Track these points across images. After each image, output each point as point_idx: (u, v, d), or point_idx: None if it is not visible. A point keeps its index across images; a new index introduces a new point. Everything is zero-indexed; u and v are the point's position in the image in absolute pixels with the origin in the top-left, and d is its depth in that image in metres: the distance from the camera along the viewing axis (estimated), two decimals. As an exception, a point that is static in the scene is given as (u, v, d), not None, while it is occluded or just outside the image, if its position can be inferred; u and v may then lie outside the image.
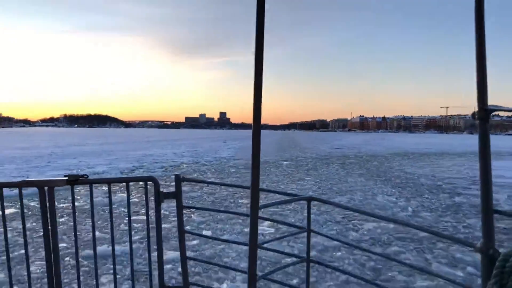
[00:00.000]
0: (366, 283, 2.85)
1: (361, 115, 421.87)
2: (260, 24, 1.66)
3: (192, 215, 9.24)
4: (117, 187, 12.11)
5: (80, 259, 3.80)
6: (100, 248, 5.80)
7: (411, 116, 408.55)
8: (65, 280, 5.00)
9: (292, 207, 10.17)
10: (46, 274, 2.98)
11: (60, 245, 3.44)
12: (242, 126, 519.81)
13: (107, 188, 3.18)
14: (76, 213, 3.15)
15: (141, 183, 3.33)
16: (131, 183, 3.25)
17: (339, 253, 6.64)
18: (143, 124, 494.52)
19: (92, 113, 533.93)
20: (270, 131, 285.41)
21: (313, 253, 5.91)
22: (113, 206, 3.48)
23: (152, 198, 3.10)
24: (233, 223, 8.47)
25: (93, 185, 3.06)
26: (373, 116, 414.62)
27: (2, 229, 2.94)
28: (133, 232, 5.56)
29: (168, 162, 22.63)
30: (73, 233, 3.17)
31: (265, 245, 3.21)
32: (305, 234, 2.91)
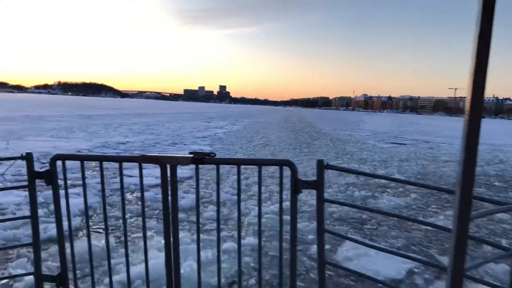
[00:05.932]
0: None
1: (365, 93, 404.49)
2: None
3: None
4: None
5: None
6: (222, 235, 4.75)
7: (418, 96, 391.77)
8: (183, 264, 4.24)
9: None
10: (164, 253, 2.79)
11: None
12: (242, 100, 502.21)
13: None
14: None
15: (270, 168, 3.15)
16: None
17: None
18: (140, 94, 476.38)
19: (88, 81, 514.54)
20: (272, 107, 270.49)
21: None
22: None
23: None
24: (385, 230, 6.51)
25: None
26: (378, 95, 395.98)
27: (120, 203, 2.91)
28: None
29: None
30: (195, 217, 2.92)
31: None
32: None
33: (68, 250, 2.97)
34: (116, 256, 4.65)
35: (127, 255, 2.91)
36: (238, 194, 2.81)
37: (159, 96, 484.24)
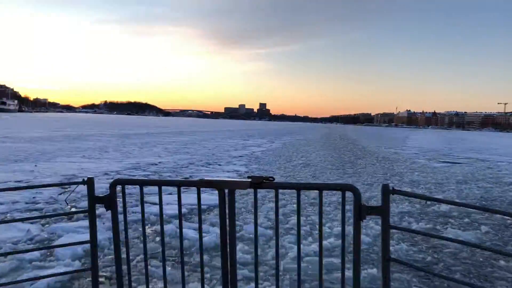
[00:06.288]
0: None
1: (408, 109, 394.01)
2: None
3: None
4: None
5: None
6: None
7: (465, 112, 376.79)
8: None
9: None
10: (221, 280, 2.77)
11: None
12: (282, 117, 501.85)
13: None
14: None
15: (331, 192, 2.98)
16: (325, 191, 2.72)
17: None
18: (183, 113, 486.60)
19: (132, 100, 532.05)
20: (312, 124, 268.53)
21: None
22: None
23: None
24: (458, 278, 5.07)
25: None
26: (422, 111, 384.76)
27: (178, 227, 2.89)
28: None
29: None
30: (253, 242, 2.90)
31: None
32: None
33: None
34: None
35: (183, 283, 2.89)
36: (298, 225, 2.70)
37: (201, 114, 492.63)
